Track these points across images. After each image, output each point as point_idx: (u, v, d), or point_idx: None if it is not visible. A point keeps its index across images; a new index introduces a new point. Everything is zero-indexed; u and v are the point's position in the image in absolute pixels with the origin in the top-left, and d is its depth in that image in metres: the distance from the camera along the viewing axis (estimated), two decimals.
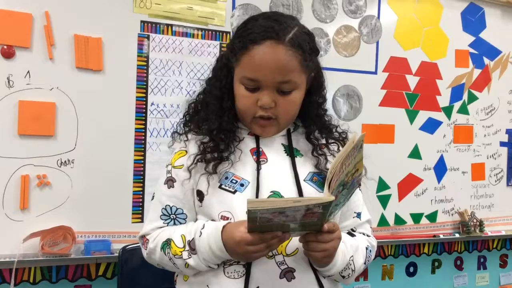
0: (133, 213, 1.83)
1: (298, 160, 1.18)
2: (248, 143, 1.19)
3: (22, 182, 1.67)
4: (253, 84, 1.10)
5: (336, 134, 1.25)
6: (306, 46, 1.11)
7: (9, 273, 1.70)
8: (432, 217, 2.42)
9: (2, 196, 1.66)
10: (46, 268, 1.79)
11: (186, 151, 1.18)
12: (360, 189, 1.26)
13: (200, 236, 1.08)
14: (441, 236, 2.43)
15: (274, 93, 1.10)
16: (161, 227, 1.18)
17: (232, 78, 1.16)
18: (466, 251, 2.64)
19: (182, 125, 1.24)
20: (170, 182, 1.18)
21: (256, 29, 1.09)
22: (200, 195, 1.14)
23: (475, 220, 2.47)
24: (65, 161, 1.73)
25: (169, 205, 1.17)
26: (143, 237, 1.21)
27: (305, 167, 1.18)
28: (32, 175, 1.69)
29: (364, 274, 2.38)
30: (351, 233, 1.22)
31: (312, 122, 1.21)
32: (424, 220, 2.40)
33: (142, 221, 1.83)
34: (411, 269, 2.52)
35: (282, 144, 1.20)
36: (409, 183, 2.36)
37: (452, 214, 2.47)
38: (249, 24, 1.12)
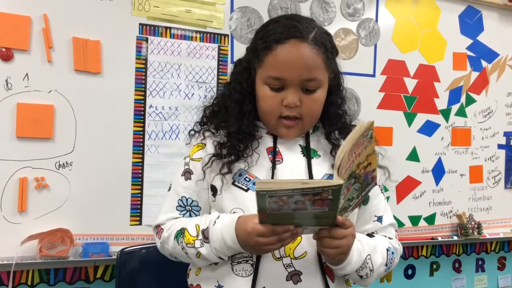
0: (131, 216, 1.83)
1: (315, 161, 1.18)
2: (266, 141, 1.19)
3: (20, 185, 1.67)
4: (278, 83, 1.11)
5: None
6: (328, 45, 1.13)
7: (7, 276, 1.70)
8: (430, 219, 2.42)
9: (0, 198, 1.66)
10: (44, 270, 1.79)
11: (205, 144, 1.20)
12: (382, 192, 1.26)
13: (214, 225, 1.09)
14: (439, 239, 2.43)
15: (299, 91, 1.11)
16: (176, 218, 1.19)
17: (253, 81, 1.16)
18: (464, 253, 2.65)
19: (199, 124, 1.25)
20: (187, 174, 1.19)
21: (279, 29, 1.10)
22: (214, 190, 1.16)
23: (473, 223, 2.48)
24: (63, 164, 1.73)
25: (185, 197, 1.18)
26: (157, 226, 1.22)
27: (321, 168, 1.17)
28: (30, 177, 1.69)
29: None
30: (370, 235, 1.21)
31: (331, 122, 1.21)
32: (422, 223, 2.40)
33: (140, 224, 1.84)
34: (410, 272, 2.52)
35: (299, 145, 1.20)
36: (407, 186, 2.36)
37: (450, 217, 2.47)
38: (270, 26, 1.13)
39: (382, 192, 1.27)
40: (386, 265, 1.18)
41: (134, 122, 1.83)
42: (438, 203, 2.44)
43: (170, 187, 1.24)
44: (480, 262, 2.71)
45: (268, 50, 1.10)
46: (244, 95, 1.17)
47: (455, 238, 2.46)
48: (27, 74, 1.68)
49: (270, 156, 1.17)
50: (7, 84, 1.66)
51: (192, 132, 1.25)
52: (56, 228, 1.70)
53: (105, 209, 1.79)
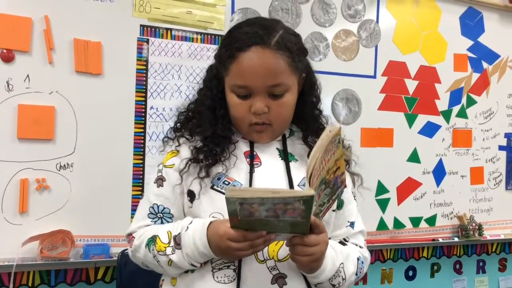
0: (132, 217, 1.82)
1: (292, 164, 1.17)
2: (242, 146, 1.18)
3: (21, 186, 1.67)
4: (244, 91, 1.10)
5: None
6: (293, 47, 1.11)
7: (8, 277, 1.70)
8: (431, 221, 2.42)
9: (1, 199, 1.66)
10: (45, 272, 1.79)
11: (178, 151, 1.18)
12: (355, 199, 1.25)
13: (186, 230, 1.06)
14: (440, 240, 2.43)
15: (266, 98, 1.10)
16: (148, 225, 1.16)
17: (223, 88, 1.15)
18: (465, 255, 2.65)
19: (172, 131, 1.23)
20: (159, 181, 1.17)
21: (241, 36, 1.09)
22: (191, 195, 1.13)
23: (474, 224, 2.47)
24: (64, 165, 1.73)
25: (156, 204, 1.16)
26: (129, 235, 1.19)
27: (300, 172, 1.16)
28: (31, 178, 1.69)
29: (364, 278, 2.38)
30: (342, 243, 1.20)
31: (307, 125, 1.20)
32: (423, 224, 2.40)
33: None
34: (410, 273, 2.52)
35: (277, 148, 1.19)
36: (408, 187, 2.36)
37: (451, 218, 2.47)
38: (234, 33, 1.12)
39: (354, 199, 1.25)
40: (356, 274, 1.17)
41: (135, 123, 1.84)
42: (439, 204, 2.43)
43: (142, 195, 1.22)
44: (481, 264, 2.71)
45: (232, 58, 1.09)
46: (215, 101, 1.17)
47: (456, 239, 2.46)
48: (28, 75, 1.68)
49: (248, 159, 1.16)
50: (8, 85, 1.66)
51: (166, 139, 1.23)
52: (57, 229, 1.70)
53: (106, 211, 1.79)
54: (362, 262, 1.20)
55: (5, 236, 1.66)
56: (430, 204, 2.42)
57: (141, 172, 1.84)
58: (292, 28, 1.16)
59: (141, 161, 1.84)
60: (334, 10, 2.18)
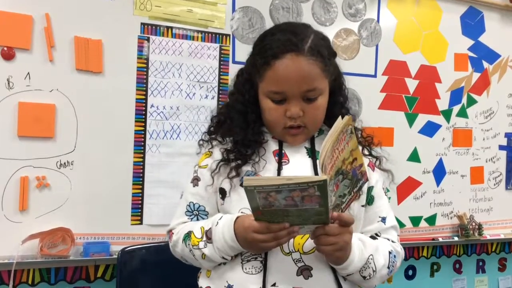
0: (132, 215, 1.83)
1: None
2: (272, 145, 1.23)
3: (21, 184, 1.67)
4: (279, 96, 1.15)
5: (361, 139, 1.30)
6: (325, 51, 1.16)
7: (8, 275, 1.70)
8: (431, 220, 2.42)
9: (1, 197, 1.66)
10: (45, 269, 1.79)
11: (211, 152, 1.25)
12: (386, 194, 1.30)
13: (216, 225, 1.12)
14: (440, 240, 2.43)
15: (301, 101, 1.15)
16: (185, 222, 1.24)
17: (255, 92, 1.20)
18: (465, 254, 2.65)
19: (207, 134, 1.30)
20: (195, 181, 1.25)
21: (275, 44, 1.14)
22: (223, 193, 1.19)
23: (474, 224, 2.48)
24: (64, 163, 1.73)
25: (192, 202, 1.24)
26: (169, 231, 1.28)
27: None
28: (31, 176, 1.69)
29: None
30: (374, 237, 1.23)
31: None
32: (423, 223, 2.40)
33: (141, 223, 1.84)
34: (410, 272, 2.52)
35: (305, 147, 1.24)
36: (408, 186, 2.36)
37: (451, 218, 2.47)
38: (266, 40, 1.17)
39: (385, 195, 1.30)
40: (388, 267, 1.19)
41: (135, 121, 1.84)
42: (439, 203, 2.43)
43: (181, 195, 1.30)
44: (480, 263, 2.71)
45: (267, 65, 1.13)
46: (247, 106, 1.22)
47: (456, 239, 2.46)
48: (28, 73, 1.68)
49: (276, 158, 1.21)
50: (8, 83, 1.66)
51: (201, 142, 1.31)
52: (57, 227, 1.70)
53: (106, 209, 1.79)
54: (395, 256, 1.22)
55: (5, 234, 1.66)
56: (430, 204, 2.42)
57: (141, 170, 1.84)
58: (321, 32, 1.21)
59: (141, 159, 1.84)
60: (335, 9, 2.18)
